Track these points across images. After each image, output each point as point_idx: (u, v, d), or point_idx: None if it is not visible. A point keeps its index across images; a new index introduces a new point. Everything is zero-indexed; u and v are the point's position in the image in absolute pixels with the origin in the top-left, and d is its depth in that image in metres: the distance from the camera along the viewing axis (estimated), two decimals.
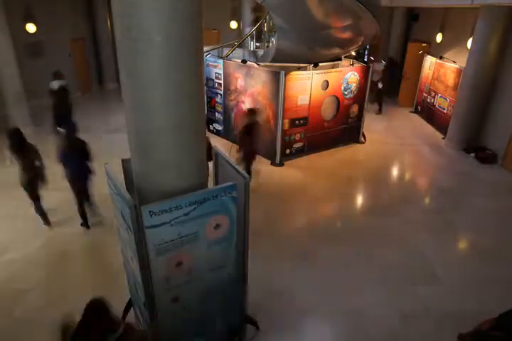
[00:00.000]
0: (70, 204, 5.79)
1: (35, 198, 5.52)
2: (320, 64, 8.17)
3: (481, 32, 8.21)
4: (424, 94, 11.46)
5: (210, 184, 3.32)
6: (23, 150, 5.19)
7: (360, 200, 7.19)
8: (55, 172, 5.46)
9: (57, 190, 5.79)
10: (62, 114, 8.58)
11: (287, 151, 8.23)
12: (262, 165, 7.99)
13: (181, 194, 2.72)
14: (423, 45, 12.50)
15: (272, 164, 8.11)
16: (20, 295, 4.36)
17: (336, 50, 8.38)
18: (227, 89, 8.91)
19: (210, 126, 9.74)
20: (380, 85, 11.24)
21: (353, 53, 9.38)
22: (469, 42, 9.20)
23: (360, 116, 9.23)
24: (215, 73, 9.03)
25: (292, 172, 7.82)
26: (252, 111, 6.60)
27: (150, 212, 2.54)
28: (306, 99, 7.95)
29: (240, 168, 3.27)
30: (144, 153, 2.74)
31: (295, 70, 7.75)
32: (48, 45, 12.02)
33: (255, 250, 3.66)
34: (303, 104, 7.95)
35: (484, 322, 3.07)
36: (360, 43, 8.33)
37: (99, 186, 5.41)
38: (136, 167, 2.89)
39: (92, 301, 2.43)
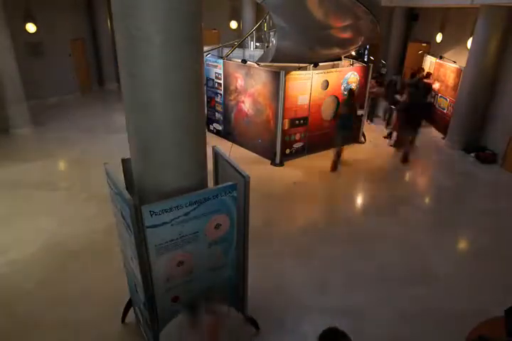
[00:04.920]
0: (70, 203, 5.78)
1: None
2: (320, 64, 8.17)
3: (481, 32, 8.21)
4: None
5: (210, 184, 3.31)
6: None
7: (360, 200, 7.19)
8: None
9: None
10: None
11: (287, 151, 8.23)
12: (262, 165, 8.00)
13: (181, 194, 2.72)
14: (423, 44, 12.51)
15: (271, 164, 8.11)
16: (21, 295, 4.36)
17: (336, 50, 8.38)
18: (227, 89, 8.90)
19: (210, 126, 9.73)
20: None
21: (353, 53, 9.36)
22: (469, 42, 9.20)
23: (360, 116, 9.22)
24: (215, 73, 9.02)
25: (292, 172, 7.81)
26: None
27: (151, 211, 2.54)
28: (306, 99, 7.95)
29: None
30: (144, 153, 2.75)
31: (295, 70, 7.75)
32: (48, 45, 12.02)
33: (255, 250, 3.65)
34: (303, 104, 7.95)
35: (484, 324, 3.05)
36: (360, 43, 8.34)
37: (99, 186, 5.40)
38: (136, 167, 2.90)
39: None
